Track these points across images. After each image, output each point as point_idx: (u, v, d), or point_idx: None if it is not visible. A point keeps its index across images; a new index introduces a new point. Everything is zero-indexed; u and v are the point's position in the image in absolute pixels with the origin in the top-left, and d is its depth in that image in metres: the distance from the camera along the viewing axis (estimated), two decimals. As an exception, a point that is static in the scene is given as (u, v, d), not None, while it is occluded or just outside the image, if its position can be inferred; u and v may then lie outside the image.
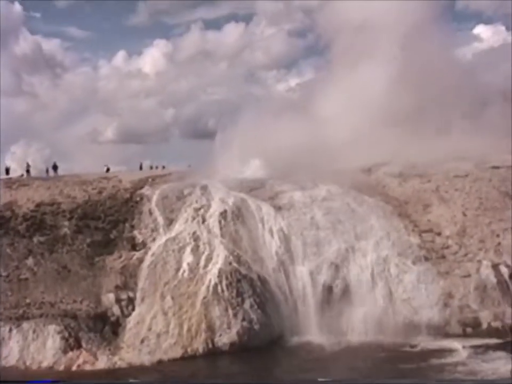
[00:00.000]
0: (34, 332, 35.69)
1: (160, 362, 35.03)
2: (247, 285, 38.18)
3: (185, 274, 38.66)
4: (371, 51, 60.21)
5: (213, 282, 37.77)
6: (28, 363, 34.80)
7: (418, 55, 60.50)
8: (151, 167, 69.03)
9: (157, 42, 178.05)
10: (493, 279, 39.20)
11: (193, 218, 42.28)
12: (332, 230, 41.79)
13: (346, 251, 40.64)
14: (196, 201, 43.77)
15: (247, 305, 37.55)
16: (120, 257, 40.34)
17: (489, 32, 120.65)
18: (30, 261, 39.33)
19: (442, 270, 39.79)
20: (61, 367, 34.51)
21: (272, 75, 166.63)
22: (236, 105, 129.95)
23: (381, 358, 34.33)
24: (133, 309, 37.93)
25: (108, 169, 64.29)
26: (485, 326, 38.00)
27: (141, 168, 69.17)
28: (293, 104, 65.36)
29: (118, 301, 38.05)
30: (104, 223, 42.47)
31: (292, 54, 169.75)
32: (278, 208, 43.28)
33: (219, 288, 37.59)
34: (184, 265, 39.13)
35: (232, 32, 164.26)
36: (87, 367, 34.53)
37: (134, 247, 41.13)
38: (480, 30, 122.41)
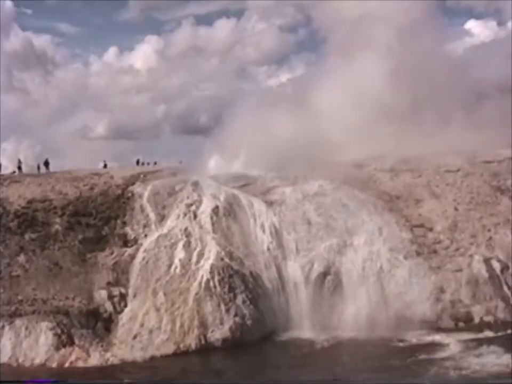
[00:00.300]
0: (26, 328, 35.63)
1: (152, 358, 35.00)
2: (239, 281, 38.21)
3: (177, 270, 38.67)
4: (366, 45, 60.10)
5: (205, 278, 37.78)
6: (20, 360, 34.74)
7: (412, 50, 60.51)
8: (143, 163, 68.95)
9: (148, 38, 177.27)
10: (485, 274, 39.35)
11: (185, 214, 42.27)
12: (324, 225, 41.84)
13: (338, 246, 40.68)
14: (188, 197, 43.78)
15: (239, 300, 37.58)
16: (112, 253, 40.32)
17: (480, 27, 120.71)
18: (21, 258, 39.25)
19: (434, 265, 39.90)
20: (54, 364, 34.47)
21: (263, 70, 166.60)
22: (227, 101, 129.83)
23: (372, 353, 34.31)
24: (125, 305, 37.92)
25: (105, 165, 64.34)
26: (477, 320, 38.16)
27: (137, 163, 68.94)
28: (287, 98, 64.89)
29: (110, 297, 38.02)
30: (96, 219, 42.41)
31: (283, 49, 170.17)
32: (270, 204, 43.34)
33: (211, 284, 37.61)
34: (176, 261, 39.14)
35: (223, 28, 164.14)
36: (80, 364, 34.50)
37: (125, 243, 41.13)
38: (472, 25, 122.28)
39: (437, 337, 36.23)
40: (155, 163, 67.39)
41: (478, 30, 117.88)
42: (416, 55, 60.07)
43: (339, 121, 53.90)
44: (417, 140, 49.78)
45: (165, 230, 41.36)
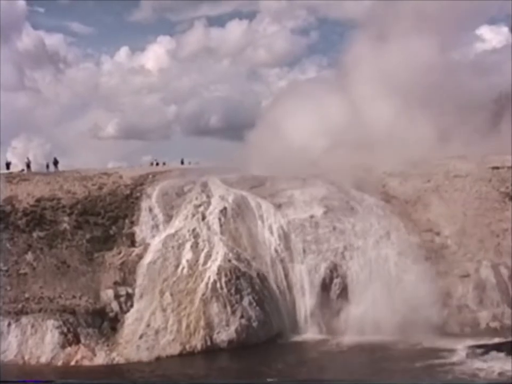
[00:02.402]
0: (33, 326, 35.73)
1: (158, 358, 35.07)
2: (246, 282, 38.20)
3: (185, 271, 38.70)
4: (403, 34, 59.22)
5: (212, 279, 37.80)
6: (26, 358, 34.85)
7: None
8: (152, 164, 68.92)
9: (160, 38, 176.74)
10: (492, 280, 39.23)
11: (193, 215, 42.31)
12: (331, 228, 41.80)
13: (346, 249, 40.65)
14: (196, 198, 43.83)
15: (245, 302, 37.59)
16: (119, 253, 40.38)
17: (492, 33, 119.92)
18: (29, 256, 39.37)
19: (441, 270, 39.79)
20: (59, 362, 34.59)
21: (275, 73, 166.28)
22: (238, 103, 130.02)
23: (377, 357, 34.23)
24: (132, 305, 37.96)
25: (157, 164, 64.91)
26: (483, 326, 38.05)
27: (182, 162, 68.12)
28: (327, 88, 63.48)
29: (117, 296, 38.08)
30: (104, 219, 42.51)
31: (294, 51, 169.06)
32: (278, 206, 43.32)
33: (218, 285, 37.61)
34: (184, 262, 39.17)
35: (235, 30, 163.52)
36: (85, 363, 34.59)
37: (133, 243, 41.21)
38: (483, 30, 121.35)
39: (443, 342, 36.04)
40: (164, 163, 67.35)
41: (490, 35, 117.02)
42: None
43: (376, 111, 53.68)
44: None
45: (172, 231, 41.41)
